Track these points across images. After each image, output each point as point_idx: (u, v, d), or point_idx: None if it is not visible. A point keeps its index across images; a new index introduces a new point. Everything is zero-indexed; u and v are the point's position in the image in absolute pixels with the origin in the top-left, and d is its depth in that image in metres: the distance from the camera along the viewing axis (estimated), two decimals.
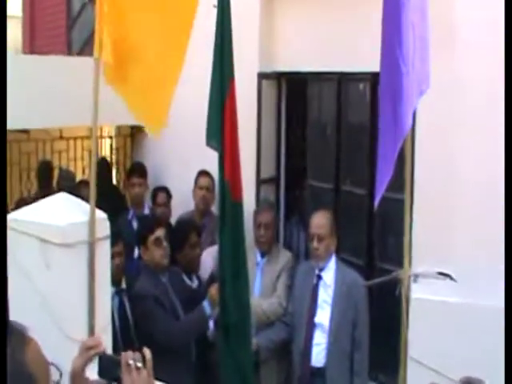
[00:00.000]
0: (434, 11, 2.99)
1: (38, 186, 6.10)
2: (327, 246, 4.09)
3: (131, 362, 1.78)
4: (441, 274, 3.00)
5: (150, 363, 1.80)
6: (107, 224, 3.34)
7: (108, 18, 3.15)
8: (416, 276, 3.02)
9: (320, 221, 4.13)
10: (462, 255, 3.68)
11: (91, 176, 3.40)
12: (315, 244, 4.08)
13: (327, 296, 4.07)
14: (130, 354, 1.80)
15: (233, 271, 3.70)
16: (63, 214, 3.28)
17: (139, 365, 1.78)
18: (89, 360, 1.94)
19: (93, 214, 3.22)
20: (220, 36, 3.59)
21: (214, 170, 4.79)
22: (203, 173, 5.21)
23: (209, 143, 3.73)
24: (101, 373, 1.85)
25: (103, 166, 6.19)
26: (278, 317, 4.31)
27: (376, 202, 2.89)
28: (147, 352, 1.81)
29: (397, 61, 2.73)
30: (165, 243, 3.97)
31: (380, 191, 2.87)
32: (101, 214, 3.32)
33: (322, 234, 4.07)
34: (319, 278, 4.11)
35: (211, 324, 4.06)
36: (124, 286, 3.98)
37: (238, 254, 3.71)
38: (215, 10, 3.60)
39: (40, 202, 3.42)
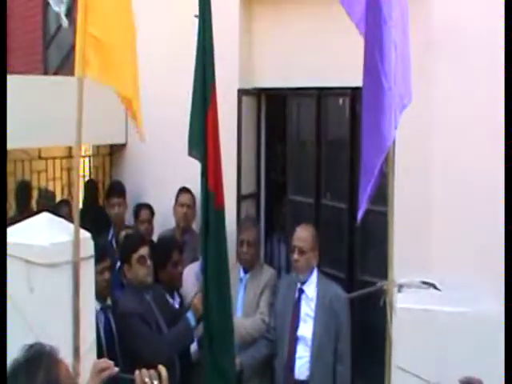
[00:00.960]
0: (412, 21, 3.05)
1: (16, 206, 6.01)
2: (308, 260, 4.12)
3: (147, 380, 1.79)
4: (425, 283, 3.05)
5: (165, 381, 1.81)
6: (91, 243, 3.33)
7: (93, 36, 3.15)
8: (401, 286, 3.06)
9: (302, 234, 4.17)
10: (442, 265, 3.73)
11: (74, 195, 3.39)
12: (296, 256, 4.12)
13: (309, 309, 4.10)
14: (145, 372, 1.81)
15: (217, 280, 3.74)
16: (46, 234, 3.26)
17: (155, 382, 1.79)
18: (102, 382, 1.95)
19: (77, 233, 3.21)
20: (201, 48, 3.63)
21: (194, 187, 4.81)
22: (184, 190, 5.20)
23: (191, 153, 3.76)
24: None
25: (91, 187, 6.19)
26: (261, 334, 4.31)
27: (359, 217, 2.92)
28: (163, 370, 1.82)
29: (379, 76, 2.77)
30: (149, 261, 3.97)
31: (363, 205, 2.90)
32: (85, 234, 3.31)
33: (304, 247, 4.11)
34: (301, 291, 4.14)
35: (195, 344, 4.06)
36: (109, 302, 3.96)
37: (221, 262, 3.76)
38: (197, 21, 3.64)
39: (22, 222, 3.39)
